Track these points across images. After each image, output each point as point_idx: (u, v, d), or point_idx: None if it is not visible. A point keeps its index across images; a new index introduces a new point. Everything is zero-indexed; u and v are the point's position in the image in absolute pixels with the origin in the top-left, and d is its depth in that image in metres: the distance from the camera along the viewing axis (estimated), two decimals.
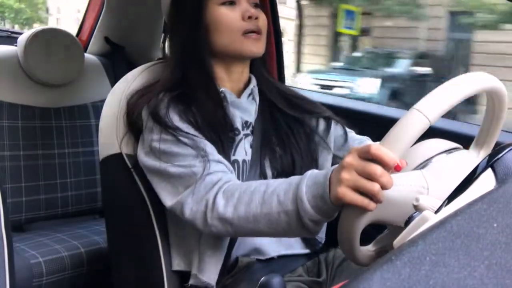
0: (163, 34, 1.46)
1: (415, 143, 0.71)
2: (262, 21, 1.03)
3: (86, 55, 1.90)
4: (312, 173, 0.80)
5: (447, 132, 1.22)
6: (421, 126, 0.66)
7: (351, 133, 1.14)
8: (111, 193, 1.17)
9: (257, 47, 1.01)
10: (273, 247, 1.03)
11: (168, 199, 0.93)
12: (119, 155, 1.07)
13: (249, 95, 1.09)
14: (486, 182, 0.58)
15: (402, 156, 0.69)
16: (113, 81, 1.88)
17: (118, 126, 1.07)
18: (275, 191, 0.81)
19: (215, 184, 0.88)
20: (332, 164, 1.10)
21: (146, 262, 1.07)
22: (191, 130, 0.95)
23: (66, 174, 1.74)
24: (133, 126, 1.03)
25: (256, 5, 1.03)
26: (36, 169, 1.68)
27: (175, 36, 1.05)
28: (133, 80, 1.11)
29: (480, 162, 0.63)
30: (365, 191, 0.69)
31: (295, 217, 0.78)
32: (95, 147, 1.80)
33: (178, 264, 1.03)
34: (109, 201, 1.19)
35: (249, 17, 0.99)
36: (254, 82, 1.10)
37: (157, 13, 1.84)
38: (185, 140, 0.93)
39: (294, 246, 1.06)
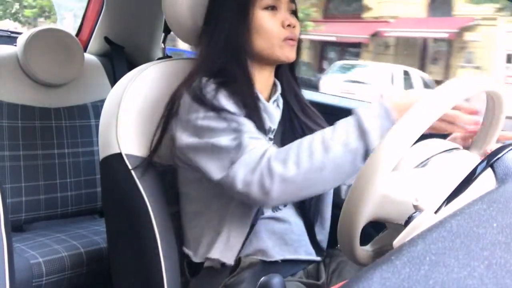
0: (163, 34, 1.46)
1: (415, 143, 0.71)
2: (298, 29, 1.06)
3: (86, 55, 1.90)
4: (357, 111, 0.86)
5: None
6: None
7: None
8: (110, 193, 1.17)
9: (292, 54, 1.05)
10: (277, 250, 1.02)
11: (216, 173, 0.93)
12: (119, 155, 1.07)
13: (274, 101, 1.10)
14: (486, 182, 0.58)
15: (402, 156, 0.69)
16: (113, 81, 1.88)
17: (118, 126, 1.07)
18: (333, 137, 0.86)
19: (264, 154, 0.89)
20: None
21: (146, 262, 1.07)
22: (237, 111, 0.95)
23: (66, 174, 1.74)
24: (168, 119, 1.01)
25: (292, 12, 1.07)
26: (36, 169, 1.68)
27: (216, 33, 1.04)
28: (133, 80, 1.11)
29: (480, 162, 0.63)
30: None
31: (362, 153, 0.84)
32: (95, 147, 1.80)
33: (194, 255, 1.04)
34: (109, 201, 1.19)
35: (288, 25, 1.03)
36: (279, 89, 1.12)
37: (157, 13, 1.84)
38: (231, 117, 0.94)
39: (298, 251, 1.06)
